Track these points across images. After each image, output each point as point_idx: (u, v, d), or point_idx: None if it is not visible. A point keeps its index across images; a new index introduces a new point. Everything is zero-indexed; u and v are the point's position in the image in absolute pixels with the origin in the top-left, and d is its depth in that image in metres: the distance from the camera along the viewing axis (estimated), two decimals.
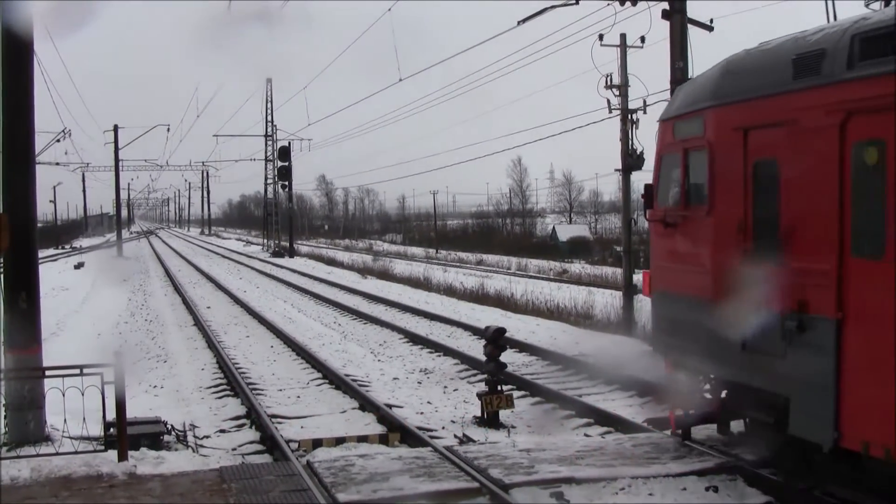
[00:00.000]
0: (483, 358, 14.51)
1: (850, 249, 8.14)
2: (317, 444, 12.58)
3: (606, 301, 27.88)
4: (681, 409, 11.14)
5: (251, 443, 12.90)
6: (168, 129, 72.62)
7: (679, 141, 10.88)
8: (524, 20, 21.09)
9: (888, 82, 7.57)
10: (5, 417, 11.37)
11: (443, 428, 13.53)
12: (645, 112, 22.77)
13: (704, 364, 10.49)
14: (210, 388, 17.12)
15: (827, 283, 8.29)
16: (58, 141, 55.76)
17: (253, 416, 14.24)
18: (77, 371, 10.23)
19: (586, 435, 12.56)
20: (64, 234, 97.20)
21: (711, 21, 19.98)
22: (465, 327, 23.73)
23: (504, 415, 13.72)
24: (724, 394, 10.61)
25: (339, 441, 12.68)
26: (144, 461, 10.58)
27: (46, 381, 10.91)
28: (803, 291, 8.59)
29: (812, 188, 8.58)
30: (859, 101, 8.06)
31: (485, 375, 14.36)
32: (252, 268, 54.53)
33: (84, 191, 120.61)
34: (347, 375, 17.10)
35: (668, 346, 11.51)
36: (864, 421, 7.95)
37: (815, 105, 8.52)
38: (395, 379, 17.60)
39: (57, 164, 76.58)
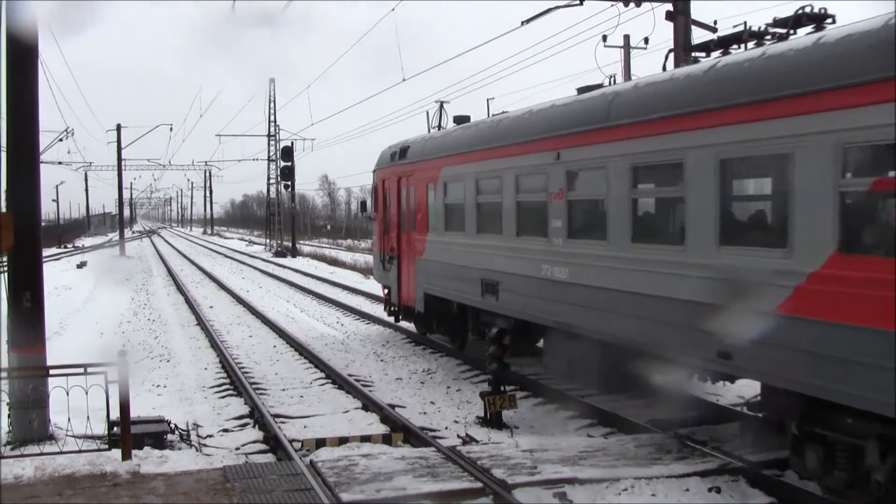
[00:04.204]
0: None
1: (401, 229, 21.17)
2: (320, 443, 12.60)
3: None
4: (391, 307, 22.62)
5: (254, 442, 12.91)
6: (171, 129, 72.76)
7: (375, 182, 23.66)
8: (528, 20, 21.07)
9: (403, 167, 20.85)
10: (9, 416, 11.39)
11: (446, 428, 13.55)
12: None
13: (382, 281, 23.44)
14: (213, 387, 17.14)
15: (397, 241, 21.41)
16: (60, 140, 55.93)
17: (256, 416, 14.26)
18: (81, 370, 10.26)
19: (589, 436, 12.58)
20: (66, 233, 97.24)
21: (715, 23, 19.92)
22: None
23: (507, 415, 13.73)
24: (392, 296, 22.34)
25: (343, 441, 12.70)
26: (148, 460, 10.61)
27: (50, 379, 10.94)
28: (392, 244, 21.75)
29: (394, 204, 21.67)
30: (401, 171, 21.02)
31: (487, 376, 14.36)
32: (254, 267, 54.54)
33: (86, 190, 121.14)
34: (350, 375, 17.12)
35: (377, 277, 24.76)
36: (404, 295, 20.98)
37: (395, 172, 21.48)
38: (398, 379, 17.61)
39: (60, 163, 76.95)
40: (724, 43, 11.13)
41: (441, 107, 23.45)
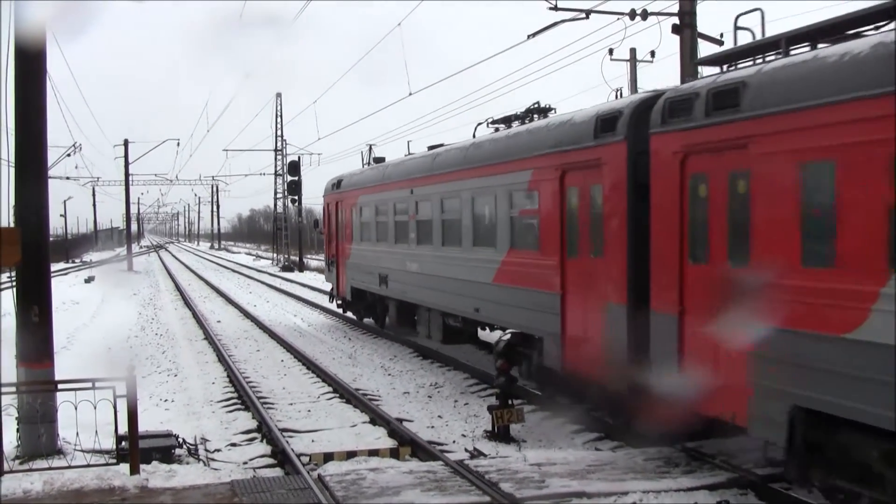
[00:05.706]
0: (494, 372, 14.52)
1: (338, 240, 28.95)
2: (328, 457, 12.59)
3: None
4: (335, 300, 29.72)
5: (262, 456, 12.91)
6: (178, 144, 72.89)
7: (325, 205, 31.02)
8: (534, 34, 21.16)
9: (339, 195, 28.90)
10: (18, 431, 11.41)
11: (453, 442, 13.52)
12: None
13: (328, 280, 31.21)
14: (221, 401, 17.14)
15: (336, 249, 29.22)
16: (68, 155, 56.02)
17: (264, 430, 14.26)
18: (89, 385, 10.29)
19: (597, 449, 12.56)
20: (74, 248, 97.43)
21: (721, 35, 20.02)
22: (475, 342, 23.68)
23: (515, 429, 13.71)
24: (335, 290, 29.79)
25: (350, 455, 12.69)
26: (156, 475, 10.63)
27: (59, 394, 10.96)
28: (333, 252, 29.56)
29: (337, 222, 29.21)
30: (338, 198, 28.99)
31: (495, 390, 14.34)
32: (262, 282, 54.59)
33: (94, 205, 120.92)
34: (358, 389, 17.11)
35: (326, 277, 33.01)
36: (341, 289, 28.99)
37: (335, 198, 29.37)
38: (405, 393, 17.60)
39: (67, 178, 77.13)
40: (507, 120, 17.69)
41: (370, 148, 31.50)
